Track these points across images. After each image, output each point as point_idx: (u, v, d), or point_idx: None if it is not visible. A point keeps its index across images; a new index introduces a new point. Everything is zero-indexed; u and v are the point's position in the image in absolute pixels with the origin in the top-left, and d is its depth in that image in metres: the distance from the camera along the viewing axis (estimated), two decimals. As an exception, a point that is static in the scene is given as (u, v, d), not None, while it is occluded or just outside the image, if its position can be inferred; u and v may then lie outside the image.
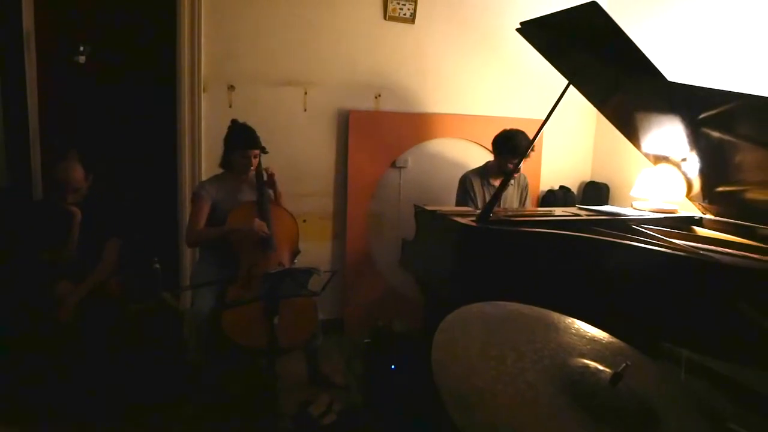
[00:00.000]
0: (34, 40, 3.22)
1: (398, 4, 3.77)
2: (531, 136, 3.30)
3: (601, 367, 0.95)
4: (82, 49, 3.09)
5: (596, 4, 2.17)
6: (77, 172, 2.80)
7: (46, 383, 2.60)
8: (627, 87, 2.73)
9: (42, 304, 2.70)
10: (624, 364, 0.89)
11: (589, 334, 1.09)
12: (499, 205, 3.44)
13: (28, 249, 2.81)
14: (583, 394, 0.87)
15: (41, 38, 3.26)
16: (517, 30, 2.77)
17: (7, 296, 2.71)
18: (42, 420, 2.59)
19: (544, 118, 2.69)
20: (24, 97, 3.20)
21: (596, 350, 1.04)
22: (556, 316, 1.12)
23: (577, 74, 2.74)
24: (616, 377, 0.89)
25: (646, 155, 3.19)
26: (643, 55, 2.29)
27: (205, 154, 3.53)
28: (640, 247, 2.32)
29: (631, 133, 3.10)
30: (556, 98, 2.68)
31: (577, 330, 1.09)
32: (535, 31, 2.71)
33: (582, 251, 2.44)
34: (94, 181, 2.91)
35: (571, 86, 2.79)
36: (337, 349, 3.66)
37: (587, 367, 0.94)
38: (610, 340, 1.10)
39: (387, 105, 3.88)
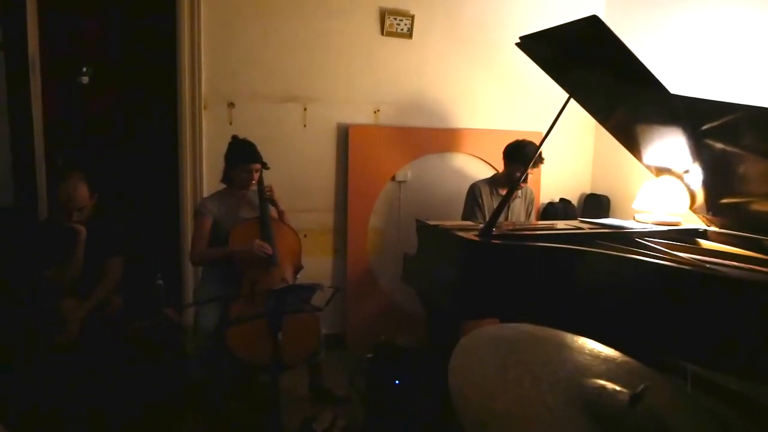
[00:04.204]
0: (39, 63, 3.24)
1: (395, 19, 3.79)
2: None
3: (618, 388, 0.94)
4: (85, 69, 3.10)
5: (597, 17, 2.19)
6: (82, 191, 2.80)
7: (48, 401, 2.57)
8: (628, 100, 2.74)
9: (46, 323, 2.69)
10: (643, 386, 0.88)
11: (602, 354, 1.08)
12: (506, 218, 3.44)
13: (34, 267, 2.80)
14: (603, 416, 0.86)
15: (45, 61, 3.28)
16: (517, 44, 2.79)
17: (13, 314, 2.70)
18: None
19: (544, 130, 2.69)
20: (30, 119, 3.21)
21: (611, 370, 1.03)
22: (569, 337, 1.11)
23: (577, 88, 2.74)
24: (635, 398, 0.88)
25: (648, 167, 3.19)
26: (645, 67, 2.30)
27: (206, 171, 3.54)
28: (645, 260, 2.31)
29: (633, 146, 3.10)
30: (556, 111, 2.68)
31: (591, 350, 1.08)
32: (535, 45, 2.72)
33: (585, 265, 2.43)
34: (98, 199, 2.91)
35: (571, 99, 2.80)
36: (340, 364, 3.64)
37: (605, 388, 0.93)
38: (624, 359, 1.09)
39: (386, 120, 3.90)
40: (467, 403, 0.84)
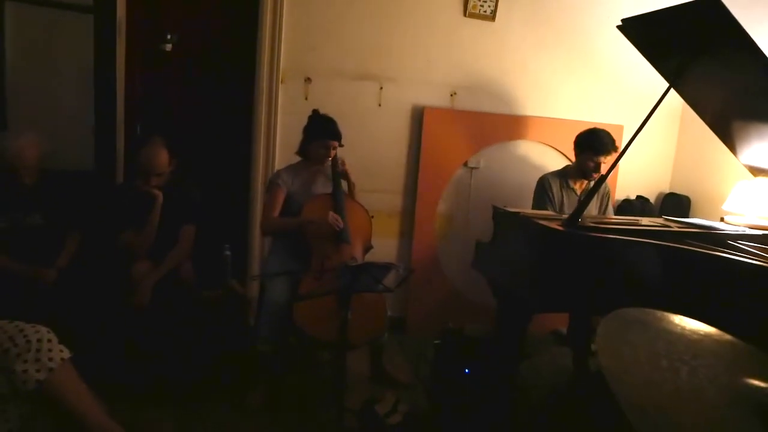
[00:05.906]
0: (125, 28, 3.28)
1: (479, 0, 3.68)
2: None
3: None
4: (169, 37, 3.11)
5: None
6: (163, 156, 2.82)
7: (116, 364, 2.59)
8: (738, 91, 2.56)
9: (120, 285, 2.73)
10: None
11: (754, 351, 0.98)
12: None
13: (110, 230, 2.84)
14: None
15: (131, 27, 3.32)
16: (618, 27, 2.64)
17: (88, 277, 2.74)
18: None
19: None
20: (114, 83, 3.25)
21: (760, 367, 0.93)
22: (714, 330, 1.01)
23: (681, 76, 2.57)
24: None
25: (746, 166, 3.00)
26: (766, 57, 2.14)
27: (279, 145, 3.53)
28: (748, 263, 2.15)
29: (731, 142, 2.91)
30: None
31: (736, 345, 0.98)
32: (639, 28, 2.56)
33: (678, 263, 2.29)
34: (175, 166, 2.93)
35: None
36: (399, 348, 3.59)
37: (771, 388, 0.84)
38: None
39: (462, 104, 3.80)
40: (625, 387, 0.76)
